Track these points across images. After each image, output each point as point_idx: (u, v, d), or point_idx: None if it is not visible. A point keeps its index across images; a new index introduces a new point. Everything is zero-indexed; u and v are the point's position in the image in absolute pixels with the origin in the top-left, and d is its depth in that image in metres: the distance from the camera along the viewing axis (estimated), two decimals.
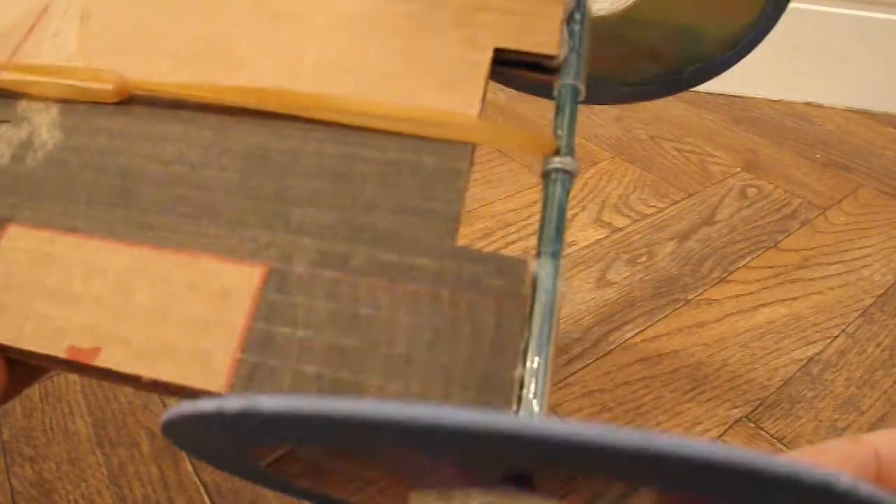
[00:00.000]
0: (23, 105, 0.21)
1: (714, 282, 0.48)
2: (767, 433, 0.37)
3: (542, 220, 0.18)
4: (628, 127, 0.68)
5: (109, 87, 0.21)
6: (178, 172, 0.19)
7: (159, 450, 0.36)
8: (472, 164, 0.19)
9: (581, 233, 0.52)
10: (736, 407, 0.38)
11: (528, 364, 0.15)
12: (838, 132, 0.70)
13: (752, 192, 0.59)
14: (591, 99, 0.22)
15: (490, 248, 0.50)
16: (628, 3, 0.24)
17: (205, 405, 0.12)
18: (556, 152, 0.20)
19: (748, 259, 0.50)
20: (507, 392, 0.15)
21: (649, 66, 0.29)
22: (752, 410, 0.38)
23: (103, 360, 0.17)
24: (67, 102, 0.21)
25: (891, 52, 0.73)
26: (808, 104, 0.76)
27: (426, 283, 0.17)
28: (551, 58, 0.20)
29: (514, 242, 0.51)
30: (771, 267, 0.50)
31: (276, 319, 0.17)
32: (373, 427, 0.10)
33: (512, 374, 0.15)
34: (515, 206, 0.55)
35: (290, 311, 0.17)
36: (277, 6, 0.22)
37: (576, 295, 0.46)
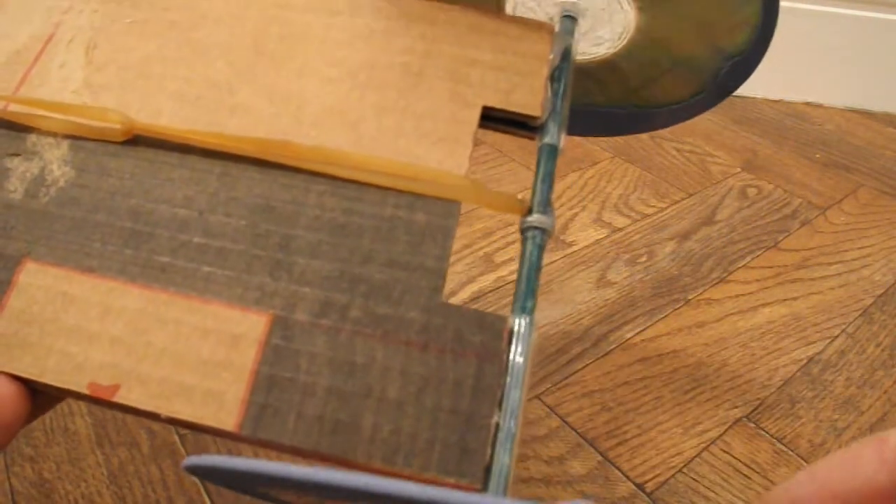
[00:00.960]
0: (32, 139, 0.22)
1: (714, 282, 0.48)
2: (767, 433, 0.37)
3: (518, 276, 0.20)
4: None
5: (117, 126, 0.21)
6: (187, 217, 0.20)
7: (159, 450, 0.36)
8: (458, 221, 0.21)
9: (581, 233, 0.52)
10: (736, 407, 0.38)
11: (503, 408, 0.18)
12: (838, 132, 0.70)
13: (752, 192, 0.59)
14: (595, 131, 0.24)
15: (490, 248, 0.50)
16: (624, 43, 0.26)
17: (205, 461, 0.14)
18: (535, 210, 0.21)
19: (748, 259, 0.50)
20: (484, 436, 0.17)
21: (648, 96, 0.30)
22: (752, 410, 0.38)
23: (123, 398, 0.18)
24: (76, 139, 0.22)
25: (891, 52, 0.73)
26: (808, 104, 0.76)
27: (416, 335, 0.19)
28: (534, 118, 0.22)
29: (513, 243, 0.51)
30: (771, 267, 0.50)
31: (281, 365, 0.19)
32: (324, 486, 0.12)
33: (489, 422, 0.18)
34: None
35: (294, 358, 0.19)
36: (279, 52, 0.23)
37: (576, 295, 0.46)
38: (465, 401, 0.18)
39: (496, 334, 0.19)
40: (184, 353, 0.19)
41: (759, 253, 0.51)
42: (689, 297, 0.46)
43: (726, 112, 0.73)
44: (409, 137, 0.21)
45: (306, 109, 0.22)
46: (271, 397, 0.18)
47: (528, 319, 0.19)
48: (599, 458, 0.35)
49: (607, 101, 0.30)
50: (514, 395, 0.18)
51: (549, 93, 0.22)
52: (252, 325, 0.19)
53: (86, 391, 0.18)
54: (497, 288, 0.47)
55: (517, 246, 0.50)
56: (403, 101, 0.22)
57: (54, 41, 0.23)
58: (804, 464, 0.35)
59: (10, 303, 0.19)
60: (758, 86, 0.77)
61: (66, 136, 0.22)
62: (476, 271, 0.48)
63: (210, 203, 0.21)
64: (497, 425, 0.18)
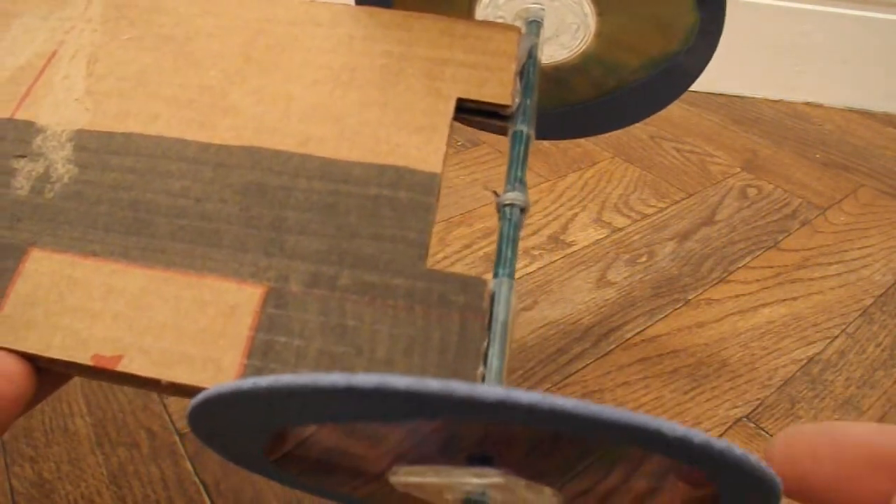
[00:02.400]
0: (38, 141, 0.23)
1: (714, 282, 0.48)
2: (767, 433, 0.37)
3: (498, 247, 0.22)
4: (628, 127, 0.68)
5: None
6: (184, 205, 0.22)
7: (159, 450, 0.36)
8: (438, 198, 0.22)
9: (581, 233, 0.52)
10: (736, 407, 0.38)
11: (487, 364, 0.19)
12: (838, 132, 0.70)
13: (752, 192, 0.59)
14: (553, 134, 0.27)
15: (490, 249, 0.50)
16: (582, 49, 0.28)
17: (244, 382, 0.14)
18: (510, 189, 0.23)
19: (748, 259, 0.50)
20: None
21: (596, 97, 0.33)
22: (752, 410, 0.38)
23: (125, 367, 0.19)
24: (81, 140, 0.23)
25: (891, 52, 0.73)
26: (808, 104, 0.76)
27: (402, 300, 0.20)
28: (505, 107, 0.24)
29: None
30: (771, 267, 0.50)
31: (276, 331, 0.20)
32: (362, 394, 0.13)
33: (475, 373, 0.19)
34: None
35: (287, 324, 0.20)
36: (266, 58, 0.25)
37: (576, 295, 0.46)
38: (451, 356, 0.19)
39: (478, 295, 0.20)
40: (183, 324, 0.20)
41: (759, 253, 0.51)
42: (689, 297, 0.46)
43: (726, 112, 0.73)
44: (389, 128, 0.23)
45: (293, 107, 0.23)
46: (267, 360, 0.19)
47: (507, 281, 0.20)
48: None
49: (579, 100, 0.32)
50: (498, 348, 0.19)
51: (518, 86, 0.24)
52: (248, 297, 0.20)
53: (90, 363, 0.19)
54: None
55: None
56: (383, 97, 0.24)
57: (57, 57, 0.25)
58: None
59: (16, 288, 0.20)
60: (758, 86, 0.77)
61: (71, 138, 0.23)
62: (476, 271, 0.48)
63: (206, 191, 0.22)
64: (483, 377, 0.19)
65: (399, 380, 0.13)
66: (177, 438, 0.36)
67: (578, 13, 0.26)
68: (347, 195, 0.22)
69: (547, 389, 0.39)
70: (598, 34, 0.27)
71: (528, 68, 0.24)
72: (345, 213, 0.21)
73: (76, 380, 0.39)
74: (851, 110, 0.75)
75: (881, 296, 0.47)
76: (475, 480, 0.18)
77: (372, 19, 0.26)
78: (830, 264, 0.50)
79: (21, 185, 0.22)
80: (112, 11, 0.26)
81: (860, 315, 0.45)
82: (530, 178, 0.58)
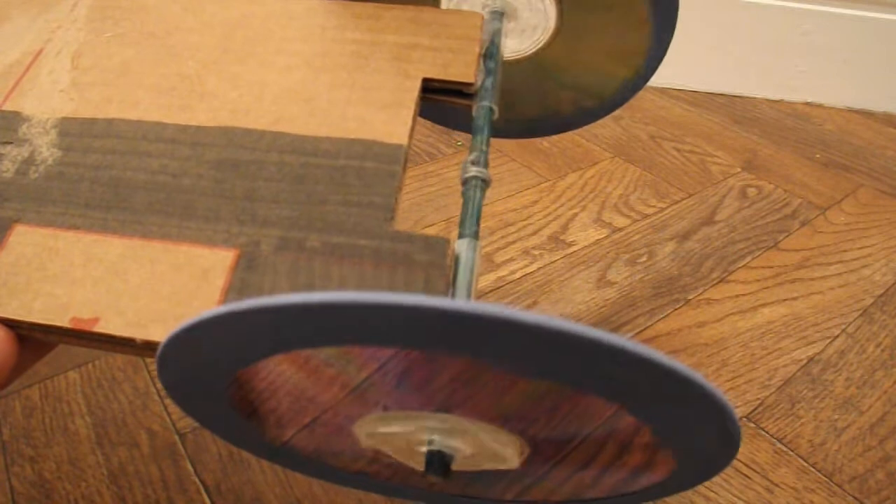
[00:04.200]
0: (24, 129, 0.24)
1: (714, 282, 0.48)
2: (767, 433, 0.37)
3: (463, 212, 0.23)
4: (628, 127, 0.68)
5: None
6: (162, 181, 0.23)
7: (159, 450, 0.36)
8: (405, 167, 0.23)
9: (581, 233, 0.52)
10: (736, 407, 0.38)
11: None
12: (838, 132, 0.70)
13: (752, 192, 0.59)
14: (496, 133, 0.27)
15: (490, 248, 0.50)
16: (532, 51, 0.30)
17: (219, 309, 0.15)
18: (475, 163, 0.24)
19: (748, 259, 0.50)
20: None
21: (537, 106, 0.34)
22: (752, 410, 0.38)
23: (102, 327, 0.20)
24: (64, 127, 0.24)
25: (891, 52, 0.73)
26: (808, 104, 0.76)
27: (368, 259, 0.21)
28: (469, 85, 0.25)
29: (513, 242, 0.51)
30: (771, 267, 0.50)
31: (247, 291, 0.20)
32: (335, 309, 0.14)
33: None
34: (515, 206, 0.55)
35: (258, 285, 0.21)
36: (243, 49, 0.26)
37: (576, 295, 0.46)
38: None
39: (441, 253, 0.21)
40: (158, 287, 0.21)
41: (759, 253, 0.51)
42: (689, 297, 0.46)
43: (726, 112, 0.73)
44: (358, 105, 0.24)
45: (266, 91, 0.25)
46: None
47: (470, 241, 0.21)
48: None
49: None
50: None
51: (483, 66, 0.26)
52: (220, 260, 0.21)
53: (68, 325, 0.20)
54: (498, 287, 0.47)
55: (518, 245, 0.50)
56: (352, 79, 0.25)
57: (44, 54, 0.27)
58: (804, 464, 0.35)
59: (1, 259, 0.21)
60: (758, 86, 0.77)
61: (55, 125, 0.24)
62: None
63: (182, 168, 0.23)
64: None
65: (374, 295, 0.13)
66: (177, 438, 0.36)
67: (540, 11, 0.28)
68: (316, 167, 0.23)
69: None
70: (557, 37, 0.29)
71: (492, 51, 0.26)
72: (313, 182, 0.22)
73: (76, 379, 0.39)
74: (851, 110, 0.75)
75: (881, 296, 0.47)
76: (438, 426, 0.19)
77: (344, 10, 0.27)
78: (830, 264, 0.50)
79: (6, 168, 0.23)
80: (96, 13, 0.28)
81: (860, 315, 0.45)
82: (530, 178, 0.58)
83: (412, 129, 0.24)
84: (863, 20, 0.72)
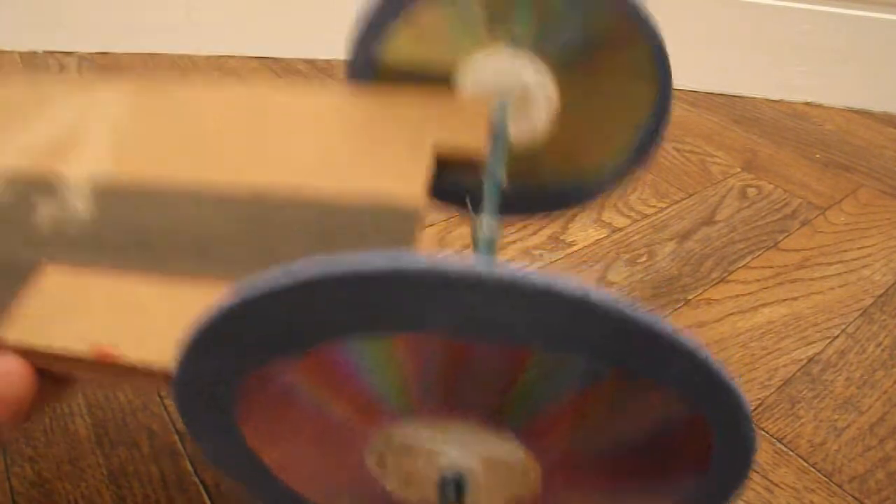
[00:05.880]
0: (60, 186, 0.27)
1: (714, 282, 0.48)
2: (767, 433, 0.37)
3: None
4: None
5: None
6: (186, 229, 0.25)
7: (159, 450, 0.36)
8: (421, 227, 0.24)
9: (581, 233, 0.52)
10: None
11: None
12: (838, 132, 0.70)
13: (752, 192, 0.59)
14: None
15: None
16: (530, 142, 0.32)
17: (227, 299, 0.15)
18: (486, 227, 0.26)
19: (748, 259, 0.50)
20: None
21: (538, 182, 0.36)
22: (752, 410, 0.38)
23: (122, 356, 0.20)
24: (99, 185, 0.27)
25: (891, 52, 0.73)
26: (808, 104, 0.76)
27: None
28: (479, 156, 0.27)
29: (514, 242, 0.51)
30: (771, 267, 0.50)
31: None
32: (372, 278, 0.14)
33: None
34: None
35: None
36: (269, 122, 0.29)
37: None
38: None
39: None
40: (179, 319, 0.21)
41: (759, 253, 0.51)
42: (689, 297, 0.46)
43: (726, 112, 0.73)
44: (375, 172, 0.26)
45: (290, 158, 0.27)
46: None
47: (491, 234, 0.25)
48: None
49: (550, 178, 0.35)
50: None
51: (492, 142, 0.27)
52: None
53: (88, 354, 0.20)
54: None
55: (518, 245, 0.50)
56: (370, 149, 0.27)
57: (84, 127, 0.30)
58: (804, 464, 0.35)
59: (27, 294, 0.22)
60: (758, 86, 0.77)
61: (90, 184, 0.27)
62: None
63: (208, 219, 0.25)
64: None
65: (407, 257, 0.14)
66: (177, 438, 0.36)
67: (544, 98, 0.31)
68: (337, 224, 0.24)
69: None
70: (558, 122, 0.31)
71: (500, 129, 0.28)
72: (332, 236, 0.23)
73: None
74: (851, 110, 0.75)
75: (881, 296, 0.47)
76: (453, 443, 0.19)
77: (360, 91, 0.30)
78: (830, 264, 0.50)
79: (42, 218, 0.25)
80: (133, 96, 0.31)
81: (860, 315, 0.45)
82: None
83: (426, 193, 0.25)
84: (863, 20, 0.72)
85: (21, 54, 0.84)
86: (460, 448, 0.19)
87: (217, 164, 0.27)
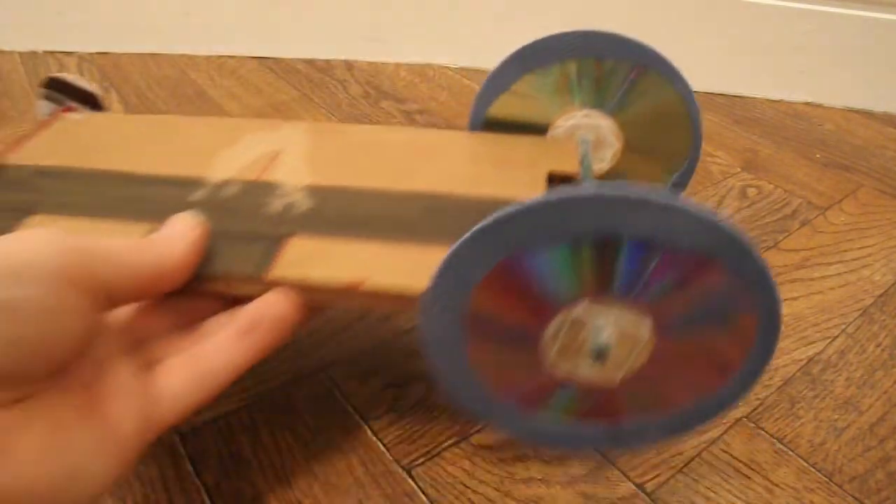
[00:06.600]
0: (279, 190, 0.35)
1: None
2: (767, 433, 0.37)
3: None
4: None
5: None
6: (390, 215, 0.33)
7: (159, 450, 0.36)
8: None
9: None
10: (736, 407, 0.38)
11: None
12: (838, 132, 0.70)
13: (752, 192, 0.59)
14: None
15: None
16: (608, 166, 0.43)
17: (483, 222, 0.25)
18: None
19: None
20: None
21: None
22: (752, 410, 0.38)
23: (373, 285, 0.28)
24: (309, 189, 0.35)
25: (891, 52, 0.73)
26: (808, 104, 0.76)
27: None
28: (573, 175, 0.36)
29: None
30: (771, 267, 0.50)
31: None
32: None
33: None
34: None
35: None
36: (417, 151, 0.38)
37: None
38: None
39: None
40: (403, 264, 0.29)
41: None
42: None
43: (726, 112, 0.73)
44: (506, 184, 0.34)
45: (438, 174, 0.36)
46: None
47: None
48: (599, 457, 0.35)
49: None
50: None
51: (581, 167, 0.37)
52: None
53: (345, 284, 0.28)
54: None
55: None
56: (499, 169, 0.36)
57: (280, 150, 0.38)
58: (804, 464, 0.35)
59: (286, 253, 0.30)
60: (758, 86, 0.77)
61: (302, 189, 0.35)
62: None
63: (398, 211, 0.33)
64: None
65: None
66: (177, 438, 0.36)
67: (611, 139, 0.43)
68: (486, 211, 0.28)
69: None
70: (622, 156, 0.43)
71: (585, 161, 0.38)
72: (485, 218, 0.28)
73: None
74: (851, 110, 0.75)
75: (881, 296, 0.47)
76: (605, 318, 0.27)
77: (481, 135, 0.40)
78: (830, 264, 0.50)
79: (276, 207, 0.33)
80: (310, 133, 0.40)
81: (860, 315, 0.45)
82: None
83: None
84: (863, 20, 0.72)
85: (21, 54, 0.84)
86: (608, 326, 0.27)
87: (386, 176, 0.35)
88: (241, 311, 0.28)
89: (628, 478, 0.34)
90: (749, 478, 0.35)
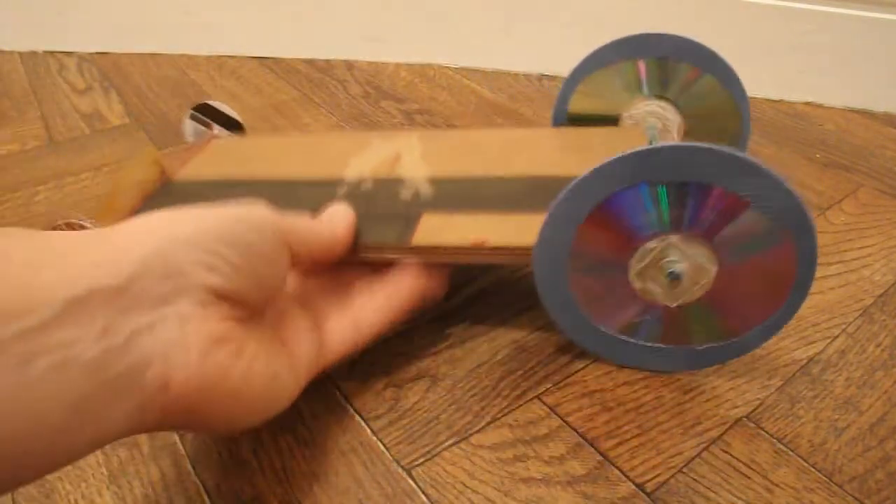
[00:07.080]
0: (405, 182, 0.43)
1: None
2: (767, 433, 0.37)
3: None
4: None
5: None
6: (486, 194, 0.42)
7: (159, 450, 0.36)
8: None
9: None
10: (736, 407, 0.38)
11: None
12: (838, 132, 0.70)
13: None
14: None
15: None
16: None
17: (582, 177, 0.34)
18: None
19: None
20: None
21: None
22: (752, 410, 0.38)
23: (492, 242, 0.36)
24: (429, 180, 0.43)
25: (891, 52, 0.73)
26: (808, 104, 0.76)
27: None
28: None
29: None
30: None
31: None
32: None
33: None
34: None
35: None
36: (505, 144, 0.47)
37: None
38: None
39: None
40: (518, 229, 0.37)
41: None
42: None
43: None
44: (590, 165, 0.36)
45: (533, 160, 0.44)
46: None
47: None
48: (599, 457, 0.35)
49: None
50: None
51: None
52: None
53: (469, 244, 0.37)
54: (500, 287, 0.47)
55: None
56: (583, 154, 0.44)
57: (401, 152, 0.46)
58: (804, 464, 0.35)
59: (421, 225, 0.38)
60: (758, 86, 0.77)
61: (423, 181, 0.43)
62: (477, 270, 0.48)
63: (506, 190, 0.41)
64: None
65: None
66: (177, 438, 0.36)
67: (675, 127, 0.51)
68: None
69: (547, 389, 0.39)
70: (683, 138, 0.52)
71: (654, 140, 0.45)
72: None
73: None
74: (851, 110, 0.75)
75: (881, 296, 0.47)
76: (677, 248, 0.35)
77: (563, 129, 0.50)
78: (830, 264, 0.50)
79: (406, 195, 0.41)
80: (423, 138, 0.48)
81: (860, 315, 0.45)
82: None
83: None
84: (863, 20, 0.72)
85: (21, 54, 0.84)
86: (684, 256, 0.35)
87: (490, 165, 0.43)
88: (385, 279, 0.37)
89: (628, 478, 0.34)
90: (749, 478, 0.35)
